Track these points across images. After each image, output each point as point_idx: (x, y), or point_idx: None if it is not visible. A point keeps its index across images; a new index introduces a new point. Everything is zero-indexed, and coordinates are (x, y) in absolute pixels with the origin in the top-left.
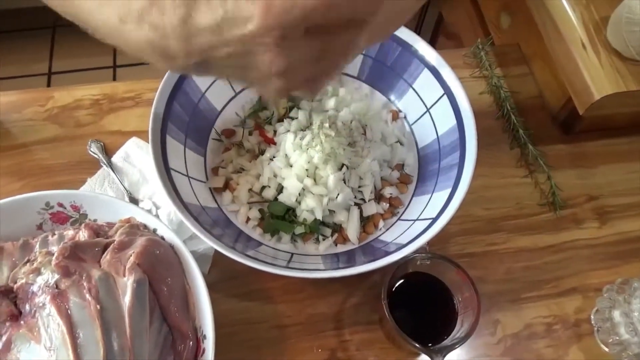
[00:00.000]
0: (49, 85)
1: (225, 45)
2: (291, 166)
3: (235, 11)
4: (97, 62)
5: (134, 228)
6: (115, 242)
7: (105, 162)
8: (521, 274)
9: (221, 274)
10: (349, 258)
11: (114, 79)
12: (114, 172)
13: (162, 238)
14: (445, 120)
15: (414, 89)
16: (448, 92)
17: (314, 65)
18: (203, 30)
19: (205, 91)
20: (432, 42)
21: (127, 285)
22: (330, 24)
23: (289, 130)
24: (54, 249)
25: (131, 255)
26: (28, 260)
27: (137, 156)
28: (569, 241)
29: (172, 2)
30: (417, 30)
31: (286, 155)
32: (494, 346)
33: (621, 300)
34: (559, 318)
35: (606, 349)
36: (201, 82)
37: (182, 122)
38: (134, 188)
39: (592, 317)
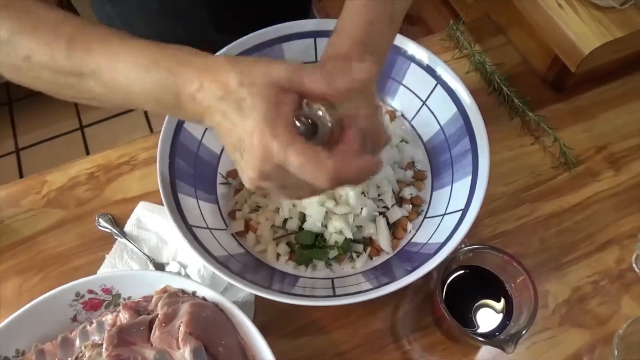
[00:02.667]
0: (19, 163)
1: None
2: None
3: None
4: (63, 127)
5: (173, 296)
6: (159, 316)
7: (119, 234)
8: (555, 240)
9: (267, 317)
10: (389, 268)
11: (84, 139)
12: (130, 242)
13: (204, 299)
14: (445, 109)
15: (405, 86)
16: (440, 81)
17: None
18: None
19: (202, 138)
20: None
21: (184, 357)
22: None
23: None
24: (96, 338)
25: (180, 325)
26: (76, 358)
27: (149, 220)
28: (591, 196)
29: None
30: None
31: None
32: (551, 317)
33: None
34: (603, 273)
35: None
36: (195, 130)
37: (189, 176)
38: (155, 253)
39: (633, 264)
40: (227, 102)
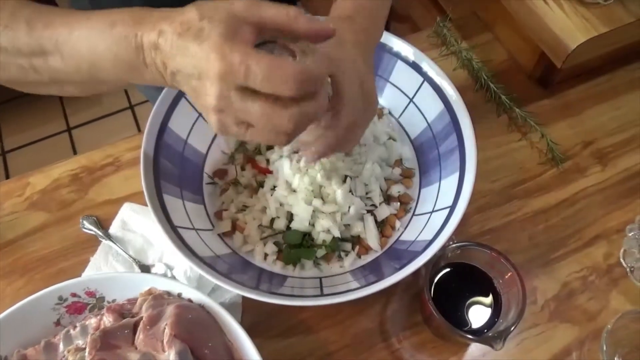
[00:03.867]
0: (5, 165)
1: (186, 57)
2: (295, 191)
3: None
4: (50, 129)
5: (158, 298)
6: (144, 319)
7: (104, 236)
8: (543, 236)
9: (255, 318)
10: (377, 267)
11: (72, 141)
12: (115, 244)
13: (190, 300)
14: (432, 106)
15: (391, 83)
16: (427, 78)
17: (237, 119)
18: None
19: (187, 137)
20: (385, 29)
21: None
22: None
23: (282, 156)
24: (80, 342)
25: (165, 328)
26: None
27: (135, 221)
28: (578, 191)
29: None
30: None
31: (287, 181)
32: (540, 313)
33: None
34: (591, 269)
35: None
36: (181, 129)
37: (174, 176)
38: (141, 255)
39: (621, 259)
40: (187, 36)
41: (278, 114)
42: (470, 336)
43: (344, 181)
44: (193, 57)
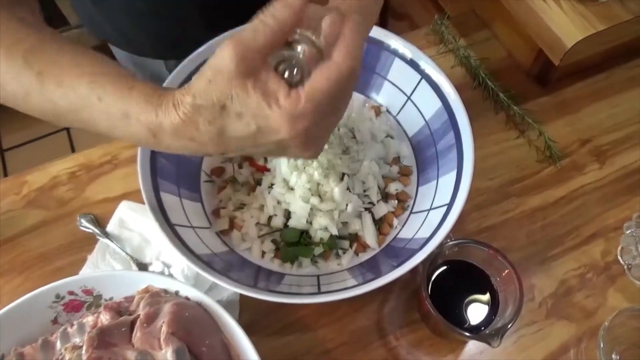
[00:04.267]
0: (4, 164)
1: (259, 146)
2: (292, 189)
3: (266, 127)
4: (48, 128)
5: (155, 296)
6: (141, 316)
7: (101, 234)
8: (541, 233)
9: (252, 316)
10: (375, 264)
11: (70, 140)
12: (113, 242)
13: (187, 298)
14: (429, 104)
15: (389, 81)
16: (424, 76)
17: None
18: (238, 139)
19: None
20: (383, 27)
21: (167, 358)
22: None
23: None
24: (77, 340)
25: (162, 326)
26: None
27: (132, 219)
28: (576, 189)
29: (203, 120)
30: None
31: (284, 179)
32: (537, 311)
33: None
34: (589, 266)
35: None
36: None
37: (171, 174)
38: (138, 253)
39: (619, 257)
40: (197, 102)
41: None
42: (467, 333)
43: (342, 179)
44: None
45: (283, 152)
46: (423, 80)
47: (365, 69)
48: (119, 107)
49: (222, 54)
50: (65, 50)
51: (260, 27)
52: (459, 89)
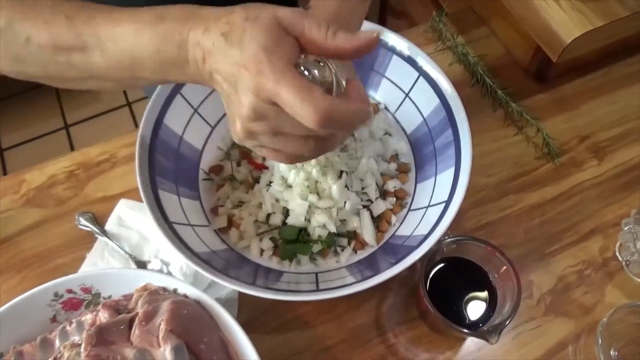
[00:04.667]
0: (3, 163)
1: (226, 61)
2: (291, 187)
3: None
4: (47, 127)
5: (154, 294)
6: (139, 314)
7: (100, 233)
8: (539, 230)
9: (251, 313)
10: (373, 262)
11: (69, 139)
12: (111, 240)
13: (185, 296)
14: (427, 101)
15: (387, 78)
16: (422, 73)
17: (265, 133)
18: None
19: (183, 134)
20: (382, 24)
21: (165, 355)
22: None
23: None
24: (76, 338)
25: (161, 323)
26: (55, 359)
27: (131, 218)
28: (574, 185)
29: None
30: None
31: (282, 177)
32: (536, 307)
33: None
34: (587, 262)
35: (639, 280)
36: (176, 125)
37: (169, 172)
38: (137, 251)
39: (617, 253)
40: (230, 36)
41: (298, 144)
42: (465, 330)
43: (340, 176)
44: (232, 62)
45: (232, 92)
46: (421, 78)
47: (363, 67)
48: (152, 13)
49: (266, 9)
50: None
51: (312, 24)
52: (457, 86)
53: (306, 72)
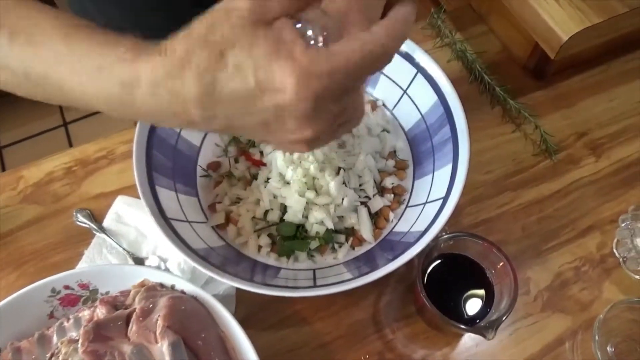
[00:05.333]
0: (1, 161)
1: (251, 114)
2: (288, 183)
3: (268, 82)
4: (46, 124)
5: (151, 290)
6: (137, 310)
7: (98, 229)
8: (537, 226)
9: (249, 309)
10: (371, 258)
11: (68, 136)
12: (109, 236)
13: (183, 292)
14: (425, 98)
15: (385, 75)
16: (420, 69)
17: (334, 126)
18: (228, 100)
19: (180, 130)
20: None
21: (162, 351)
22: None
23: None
24: (74, 334)
25: (158, 319)
26: (52, 355)
27: (128, 214)
28: (572, 182)
29: (193, 68)
30: None
31: (280, 173)
32: (533, 304)
33: None
34: (584, 259)
35: (637, 277)
36: None
37: (167, 169)
38: (135, 247)
39: (614, 249)
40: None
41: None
42: (462, 326)
43: (338, 173)
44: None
45: (276, 127)
46: (419, 74)
47: None
48: (93, 59)
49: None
50: (39, 9)
51: None
52: (455, 83)
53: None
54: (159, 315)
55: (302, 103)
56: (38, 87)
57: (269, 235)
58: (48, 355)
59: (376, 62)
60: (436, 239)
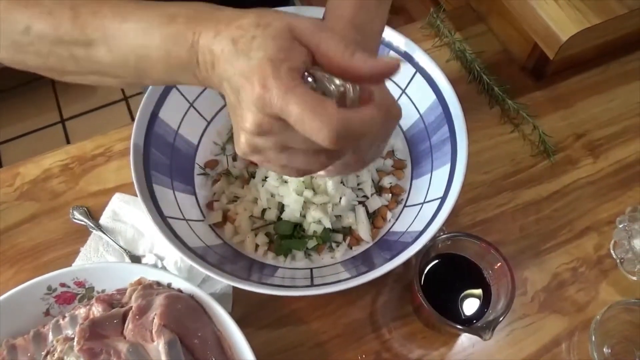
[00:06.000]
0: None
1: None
2: (286, 182)
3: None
4: (43, 121)
5: (148, 288)
6: (133, 309)
7: (94, 227)
8: (535, 227)
9: (246, 308)
10: (368, 258)
11: (66, 133)
12: (106, 234)
13: (179, 290)
14: (424, 98)
15: None
16: (419, 69)
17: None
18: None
19: (178, 128)
20: None
21: (158, 350)
22: None
23: None
24: (69, 332)
25: (154, 318)
26: (48, 353)
27: (125, 212)
28: (570, 183)
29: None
30: None
31: None
32: (530, 304)
33: (637, 228)
34: (582, 260)
35: (634, 278)
36: (172, 120)
37: (165, 167)
38: (132, 245)
39: (611, 250)
40: (238, 43)
41: (307, 159)
42: (459, 326)
43: None
44: (238, 72)
45: (236, 103)
46: (418, 74)
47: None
48: (163, 11)
49: (280, 17)
50: None
51: (330, 38)
52: (454, 82)
53: (312, 82)
54: (155, 314)
55: (252, 90)
56: (94, 55)
57: (267, 234)
58: (43, 353)
59: (365, 131)
60: (434, 239)
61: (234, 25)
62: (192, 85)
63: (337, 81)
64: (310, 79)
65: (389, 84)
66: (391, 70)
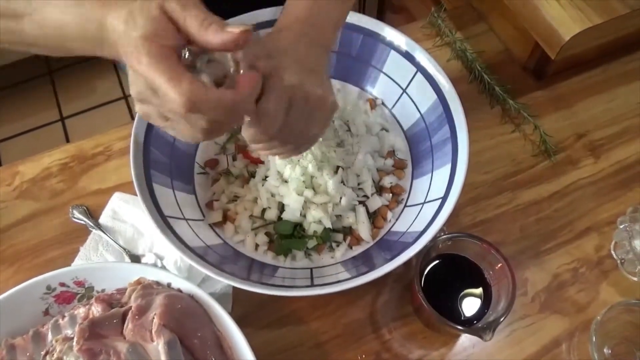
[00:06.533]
0: None
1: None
2: (286, 182)
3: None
4: (43, 119)
5: (147, 288)
6: (133, 308)
7: (94, 226)
8: (535, 227)
9: (246, 308)
10: (369, 258)
11: (65, 132)
12: (105, 233)
13: (179, 290)
14: (425, 97)
15: (385, 74)
16: (420, 69)
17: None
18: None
19: None
20: (380, 19)
21: (158, 350)
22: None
23: None
24: (69, 332)
25: (154, 318)
26: (47, 353)
27: (125, 211)
28: (570, 183)
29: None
30: (361, 10)
31: (278, 172)
32: (530, 305)
33: (638, 229)
34: (582, 261)
35: (634, 279)
36: None
37: (164, 166)
38: (131, 245)
39: (612, 251)
40: (128, 23)
41: (186, 127)
42: (459, 327)
43: (336, 172)
44: (127, 48)
45: (129, 73)
46: (419, 73)
47: (360, 61)
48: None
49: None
50: None
51: (190, 15)
52: (455, 82)
53: (188, 58)
54: (155, 314)
55: (131, 63)
56: (24, 28)
57: (267, 234)
58: (43, 352)
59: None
60: (434, 239)
61: (127, 8)
62: (111, 58)
63: (214, 56)
64: (187, 55)
65: (391, 84)
66: (238, 39)
